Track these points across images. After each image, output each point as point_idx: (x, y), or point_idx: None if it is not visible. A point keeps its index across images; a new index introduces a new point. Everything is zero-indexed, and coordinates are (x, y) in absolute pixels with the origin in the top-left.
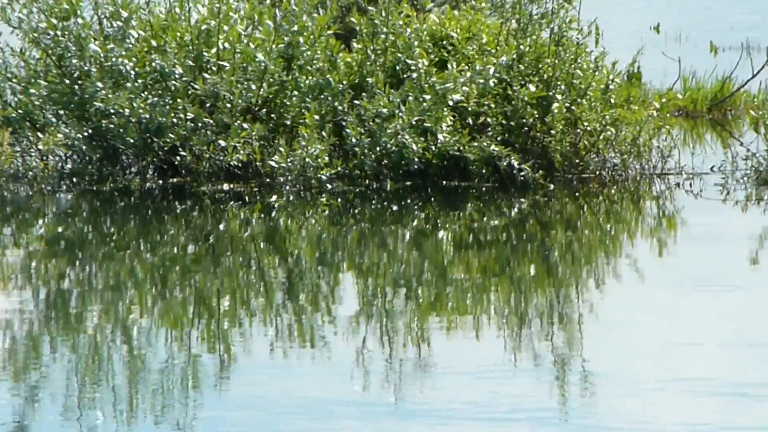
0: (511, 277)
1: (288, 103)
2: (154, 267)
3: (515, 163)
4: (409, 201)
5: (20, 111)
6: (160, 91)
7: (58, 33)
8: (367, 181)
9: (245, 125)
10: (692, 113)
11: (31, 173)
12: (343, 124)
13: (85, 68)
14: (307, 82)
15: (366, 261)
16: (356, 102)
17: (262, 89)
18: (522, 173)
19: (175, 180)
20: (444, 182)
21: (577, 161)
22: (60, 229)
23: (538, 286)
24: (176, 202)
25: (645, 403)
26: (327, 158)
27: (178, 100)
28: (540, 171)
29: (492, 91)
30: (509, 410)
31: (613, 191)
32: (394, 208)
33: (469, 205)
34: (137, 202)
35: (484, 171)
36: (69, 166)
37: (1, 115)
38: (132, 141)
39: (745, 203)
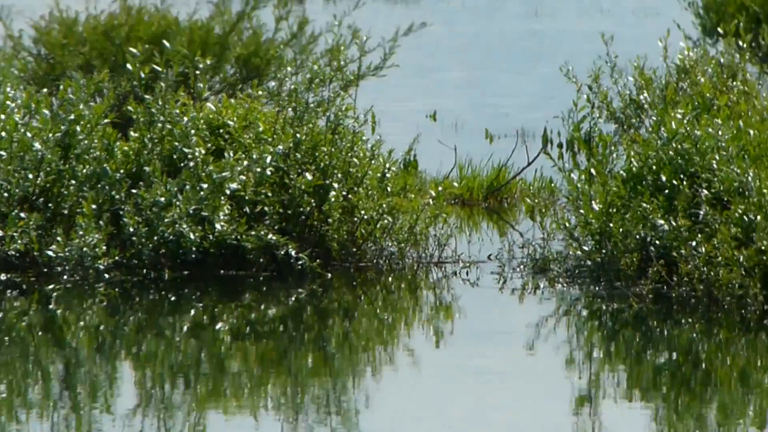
0: (289, 368)
1: (65, 192)
2: None
3: (292, 252)
4: (186, 291)
5: None
6: None
7: None
8: (144, 270)
9: (23, 214)
10: (468, 201)
11: None
12: (121, 213)
13: None
14: (84, 170)
15: (144, 352)
16: (133, 191)
17: (39, 178)
18: (299, 262)
19: None
20: (222, 271)
21: (354, 250)
22: None
23: (315, 376)
24: None
25: None
26: (104, 247)
27: None
28: (317, 260)
29: (269, 180)
30: None
31: (390, 280)
32: (172, 298)
33: (247, 294)
34: None
35: (261, 260)
36: None
37: None
38: None
39: (521, 291)
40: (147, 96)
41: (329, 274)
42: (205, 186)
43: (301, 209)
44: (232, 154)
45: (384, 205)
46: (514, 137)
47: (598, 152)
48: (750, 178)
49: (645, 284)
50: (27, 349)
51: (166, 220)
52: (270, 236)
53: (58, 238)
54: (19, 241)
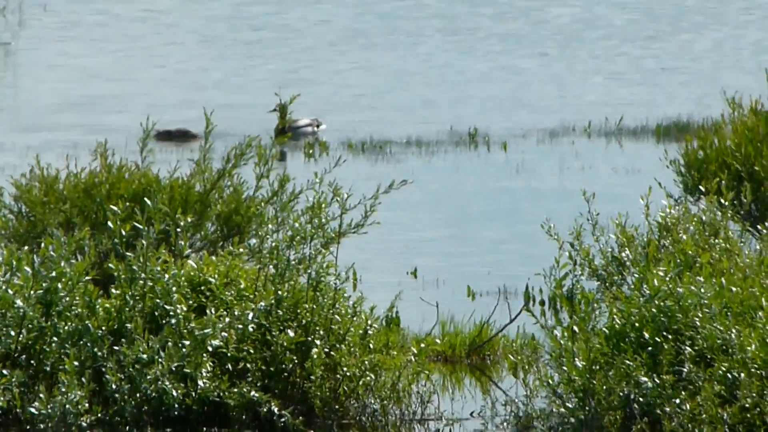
0: None
1: (47, 349)
2: None
3: (275, 409)
4: None
5: None
6: None
7: None
8: (127, 427)
9: (5, 371)
10: (451, 358)
11: None
12: (103, 369)
13: None
14: (66, 327)
15: None
16: (115, 348)
17: (21, 335)
18: (282, 419)
19: None
20: (204, 428)
21: (336, 407)
22: None
23: None
24: None
25: None
26: (87, 404)
27: None
28: (300, 417)
29: (251, 337)
30: None
31: None
32: None
33: None
34: None
35: (244, 417)
36: None
37: None
38: None
39: None
40: (128, 253)
41: (311, 431)
42: (187, 343)
43: (284, 366)
44: (213, 311)
45: (366, 362)
46: (495, 294)
47: (580, 309)
48: (733, 336)
49: None
50: None
51: (148, 377)
52: (252, 393)
53: (41, 395)
54: (2, 398)
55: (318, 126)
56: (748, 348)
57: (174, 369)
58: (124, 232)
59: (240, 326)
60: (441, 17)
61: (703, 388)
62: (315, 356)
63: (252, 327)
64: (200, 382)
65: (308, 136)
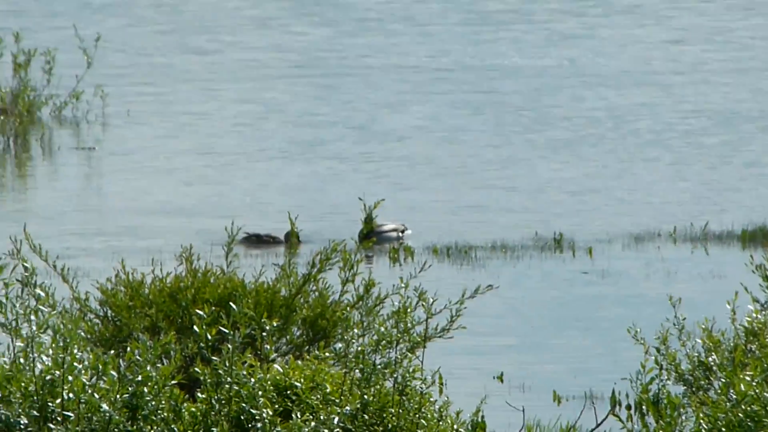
0: None
1: None
2: None
3: None
4: None
5: None
6: None
7: None
8: None
9: None
10: None
11: None
12: None
13: None
14: (152, 431)
15: None
16: None
17: None
18: None
19: None
20: None
21: None
22: None
23: None
24: None
25: None
26: None
27: None
28: None
29: None
30: None
31: None
32: None
33: None
34: None
35: None
36: None
37: None
38: None
39: None
40: (214, 358)
41: None
42: None
43: None
44: (299, 415)
45: None
46: (582, 399)
47: (666, 414)
48: None
49: None
50: None
51: None
52: None
53: None
54: None
55: (403, 231)
56: None
57: None
58: (209, 336)
59: (326, 431)
60: (518, 120)
61: None
62: None
63: (337, 431)
64: None
65: (393, 241)
